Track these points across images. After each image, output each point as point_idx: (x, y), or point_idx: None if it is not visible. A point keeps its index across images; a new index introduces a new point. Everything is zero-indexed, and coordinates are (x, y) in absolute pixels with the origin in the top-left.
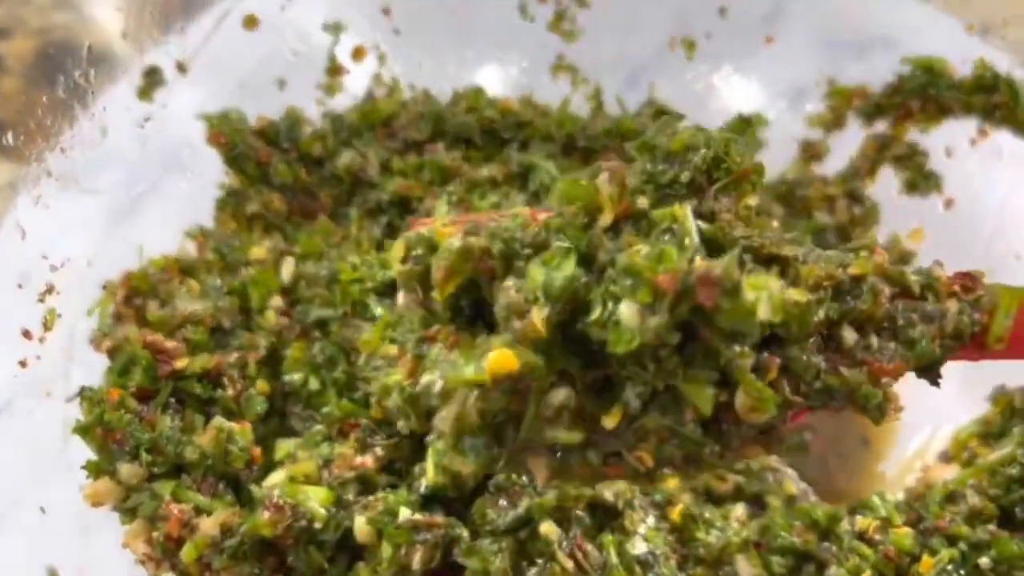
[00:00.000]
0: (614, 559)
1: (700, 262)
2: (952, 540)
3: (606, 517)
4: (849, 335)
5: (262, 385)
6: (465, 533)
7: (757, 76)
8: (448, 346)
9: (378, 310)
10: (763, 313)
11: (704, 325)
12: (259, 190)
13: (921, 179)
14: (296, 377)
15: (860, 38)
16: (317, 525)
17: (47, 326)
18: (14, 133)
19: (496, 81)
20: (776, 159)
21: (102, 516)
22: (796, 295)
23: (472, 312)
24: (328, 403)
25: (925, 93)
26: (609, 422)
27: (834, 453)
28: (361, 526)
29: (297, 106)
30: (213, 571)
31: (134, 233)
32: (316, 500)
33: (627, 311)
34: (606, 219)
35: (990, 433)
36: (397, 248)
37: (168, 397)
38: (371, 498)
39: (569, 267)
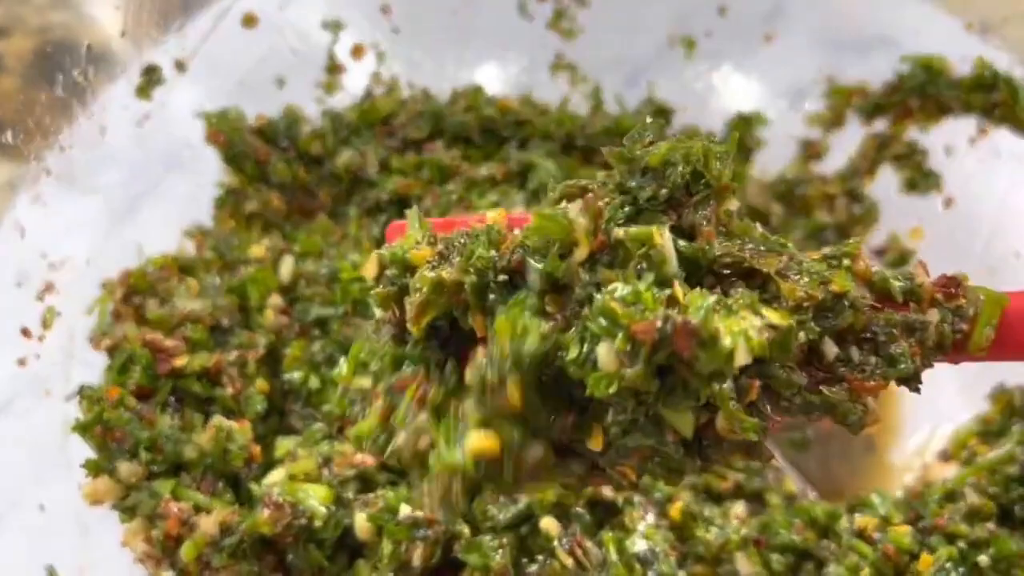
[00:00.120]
0: (614, 556)
1: (677, 316)
2: (951, 538)
3: (606, 514)
4: (829, 349)
5: (261, 384)
6: (465, 529)
7: (757, 75)
8: (417, 401)
9: (378, 311)
10: (741, 359)
11: (682, 366)
12: (258, 188)
13: (920, 178)
14: (296, 375)
15: (860, 37)
16: (317, 523)
17: (46, 325)
18: (13, 132)
19: (495, 80)
20: (776, 158)
21: (102, 515)
22: (777, 319)
23: (448, 328)
24: (328, 401)
25: (924, 92)
26: (593, 444)
27: (834, 451)
28: (361, 523)
29: (296, 105)
30: (212, 569)
31: (133, 231)
32: (316, 498)
33: (604, 354)
34: (581, 253)
35: (989, 432)
36: (370, 266)
37: (167, 396)
38: (371, 495)
39: (535, 333)
